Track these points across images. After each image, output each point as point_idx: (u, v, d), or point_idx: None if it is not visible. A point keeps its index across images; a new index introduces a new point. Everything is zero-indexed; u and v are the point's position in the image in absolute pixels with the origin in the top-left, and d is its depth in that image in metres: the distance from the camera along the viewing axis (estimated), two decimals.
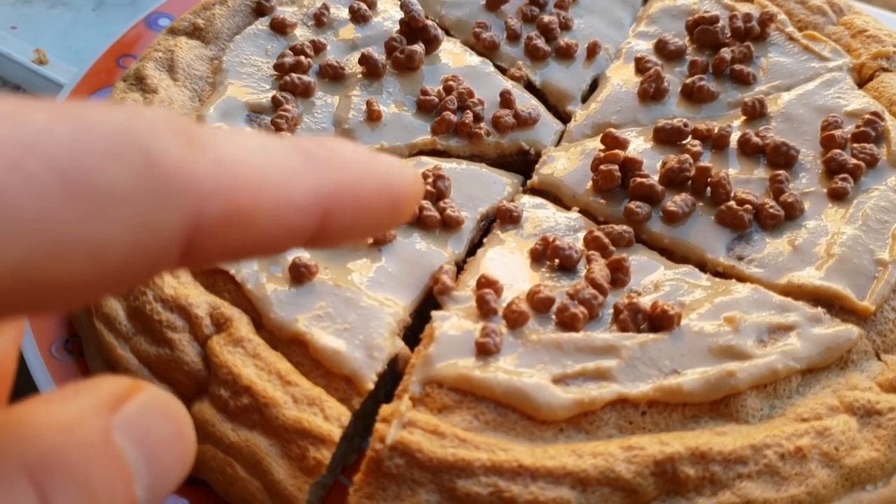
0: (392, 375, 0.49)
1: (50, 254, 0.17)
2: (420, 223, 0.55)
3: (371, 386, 0.46)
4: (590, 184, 0.59)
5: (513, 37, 0.70)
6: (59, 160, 0.17)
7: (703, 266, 0.54)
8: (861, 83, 0.67)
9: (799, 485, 0.42)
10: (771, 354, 0.46)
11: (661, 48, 0.69)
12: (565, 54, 0.69)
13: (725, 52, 0.67)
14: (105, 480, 0.19)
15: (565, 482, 0.41)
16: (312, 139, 0.22)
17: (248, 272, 0.50)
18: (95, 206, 0.17)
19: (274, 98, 0.61)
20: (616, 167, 0.57)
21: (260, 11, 0.69)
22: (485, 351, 0.46)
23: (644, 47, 0.70)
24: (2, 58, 0.85)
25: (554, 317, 0.49)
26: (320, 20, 0.69)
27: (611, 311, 0.50)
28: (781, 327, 0.48)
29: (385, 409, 0.44)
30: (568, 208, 0.59)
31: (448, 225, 0.56)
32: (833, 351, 0.48)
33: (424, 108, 0.64)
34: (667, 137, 0.61)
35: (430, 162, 0.60)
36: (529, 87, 0.68)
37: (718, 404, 0.45)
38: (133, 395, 0.21)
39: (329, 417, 0.43)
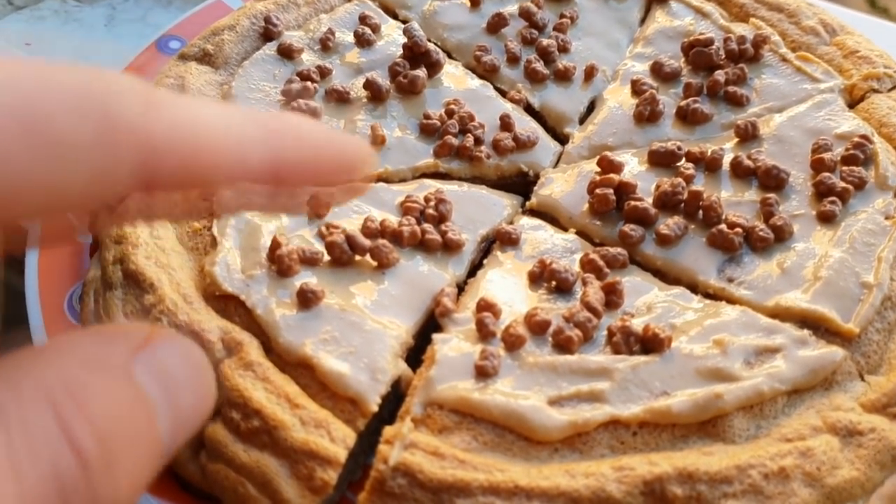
0: (395, 395, 0.51)
1: (9, 194, 0.18)
2: (422, 246, 0.58)
3: (375, 408, 0.48)
4: (586, 206, 0.61)
5: (512, 60, 0.72)
6: (21, 111, 0.18)
7: (694, 287, 0.56)
8: (852, 104, 0.69)
9: None
10: (757, 377, 0.49)
11: (657, 70, 0.71)
12: (563, 77, 0.71)
13: (720, 75, 0.69)
14: (127, 413, 0.20)
15: (559, 501, 0.43)
16: (269, 112, 0.24)
17: (257, 298, 0.52)
18: (53, 154, 0.19)
19: None
20: (611, 191, 0.60)
21: (267, 36, 0.72)
22: (483, 373, 0.49)
23: (640, 69, 0.72)
24: None
25: (550, 339, 0.51)
26: (326, 45, 0.71)
27: (605, 333, 0.52)
28: (768, 349, 0.50)
29: (388, 431, 0.47)
30: (565, 229, 0.61)
31: (449, 247, 0.58)
32: (818, 373, 0.50)
33: (427, 131, 0.66)
34: (661, 160, 0.63)
35: (432, 185, 0.63)
36: (528, 109, 0.70)
37: (706, 425, 0.48)
38: (156, 338, 0.22)
39: (335, 439, 0.46)
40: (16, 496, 0.17)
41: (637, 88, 0.69)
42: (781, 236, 0.57)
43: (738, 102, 0.68)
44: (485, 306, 0.53)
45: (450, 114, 0.66)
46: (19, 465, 0.17)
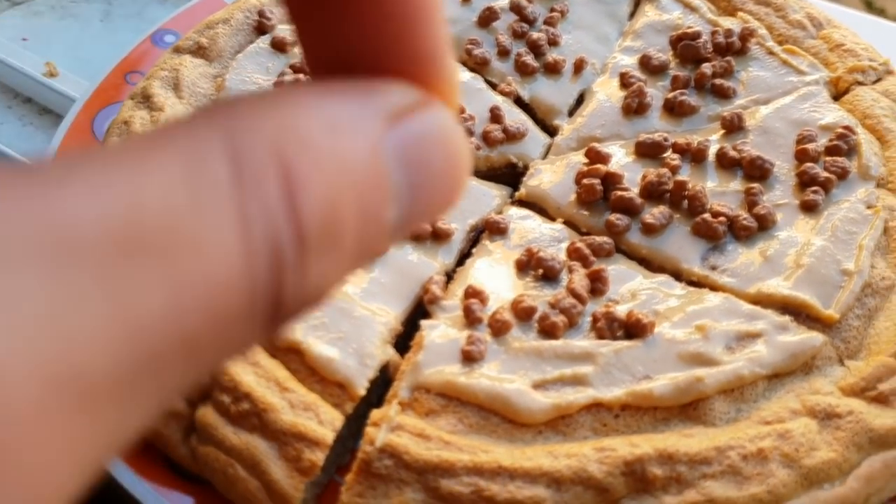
0: (383, 381, 0.52)
1: None
2: (412, 235, 0.59)
3: (363, 392, 0.49)
4: (574, 196, 0.62)
5: (503, 53, 0.73)
6: None
7: (678, 275, 0.57)
8: (837, 96, 0.70)
9: (760, 484, 0.45)
10: (738, 361, 0.49)
11: (646, 63, 0.72)
12: (553, 70, 0.72)
13: (707, 67, 0.70)
14: (358, 192, 0.17)
15: (541, 481, 0.44)
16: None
17: None
18: None
19: None
20: (598, 181, 0.60)
21: (261, 30, 0.73)
22: (470, 358, 0.50)
23: (629, 62, 0.73)
24: (13, 71, 0.89)
25: (536, 325, 0.52)
26: None
27: (589, 319, 0.53)
28: (749, 335, 0.51)
29: (375, 414, 0.48)
30: (553, 219, 0.62)
31: (438, 237, 0.59)
32: (798, 357, 0.51)
33: None
34: (647, 151, 0.64)
35: None
36: (518, 101, 0.71)
37: (687, 408, 0.49)
38: (419, 111, 0.18)
39: (323, 422, 0.47)
40: (238, 250, 0.15)
41: (625, 81, 0.70)
42: (765, 225, 0.58)
43: (724, 95, 0.69)
44: (472, 293, 0.54)
45: None
46: (245, 214, 0.15)
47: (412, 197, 0.18)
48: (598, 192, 0.60)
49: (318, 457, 0.45)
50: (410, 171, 0.18)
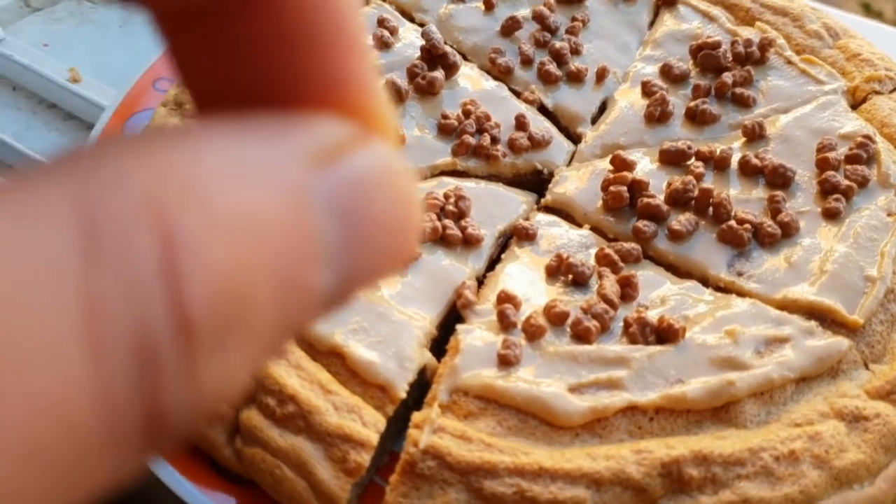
0: (420, 384, 0.53)
1: None
2: (443, 241, 0.60)
3: (403, 394, 0.50)
4: (600, 203, 0.63)
5: (526, 62, 0.74)
6: None
7: (705, 281, 0.58)
8: (854, 105, 0.71)
9: (792, 484, 0.46)
10: (767, 365, 0.51)
11: (667, 72, 0.73)
12: (576, 78, 0.73)
13: (727, 76, 0.71)
14: (274, 258, 0.13)
15: (581, 482, 0.45)
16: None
17: None
18: None
19: None
20: (624, 188, 0.62)
21: None
22: (506, 362, 0.51)
23: (650, 71, 0.74)
24: (38, 76, 0.90)
25: (569, 330, 0.53)
26: None
27: (621, 324, 0.54)
28: (777, 339, 0.53)
29: (417, 416, 0.49)
30: (580, 225, 0.63)
31: (469, 242, 0.60)
32: (825, 361, 0.52)
33: (445, 130, 0.68)
34: (671, 158, 0.65)
35: (451, 182, 0.65)
36: (542, 109, 0.72)
37: (719, 411, 0.50)
38: (354, 149, 0.14)
39: (367, 423, 0.48)
40: (80, 355, 0.11)
41: (647, 90, 0.72)
42: (788, 232, 0.60)
43: (745, 103, 0.70)
44: (505, 298, 0.55)
45: (467, 114, 0.69)
46: (93, 303, 0.11)
47: (351, 255, 0.14)
48: (625, 198, 0.62)
49: (364, 458, 0.47)
50: (347, 223, 0.14)
